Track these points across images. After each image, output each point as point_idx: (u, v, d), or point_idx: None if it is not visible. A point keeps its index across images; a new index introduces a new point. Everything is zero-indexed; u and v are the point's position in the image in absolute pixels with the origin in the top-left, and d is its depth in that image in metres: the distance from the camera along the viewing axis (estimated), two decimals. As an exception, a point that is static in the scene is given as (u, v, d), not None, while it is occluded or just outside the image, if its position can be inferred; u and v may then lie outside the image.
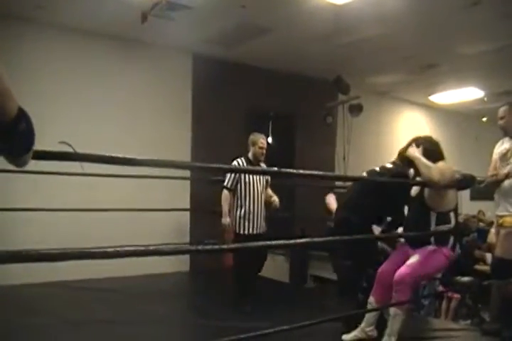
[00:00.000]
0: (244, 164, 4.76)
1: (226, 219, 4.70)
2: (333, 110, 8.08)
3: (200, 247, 1.99)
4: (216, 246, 2.17)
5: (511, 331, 3.51)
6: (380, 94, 9.40)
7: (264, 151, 4.84)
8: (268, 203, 4.84)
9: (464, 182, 3.56)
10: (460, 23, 5.85)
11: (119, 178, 5.34)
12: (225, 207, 4.71)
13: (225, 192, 4.72)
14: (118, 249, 1.68)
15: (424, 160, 3.38)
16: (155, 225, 6.13)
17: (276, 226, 5.25)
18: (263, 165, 4.90)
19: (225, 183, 4.73)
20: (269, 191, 4.98)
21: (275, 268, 6.01)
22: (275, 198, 4.87)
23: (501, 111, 3.96)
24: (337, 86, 7.45)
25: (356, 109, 7.73)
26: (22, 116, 1.40)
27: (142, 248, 1.78)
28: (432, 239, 3.49)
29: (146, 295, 5.07)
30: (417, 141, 3.58)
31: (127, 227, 5.83)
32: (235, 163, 4.80)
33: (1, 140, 1.39)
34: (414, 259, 3.43)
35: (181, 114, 7.03)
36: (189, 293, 5.76)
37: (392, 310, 3.39)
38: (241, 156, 4.87)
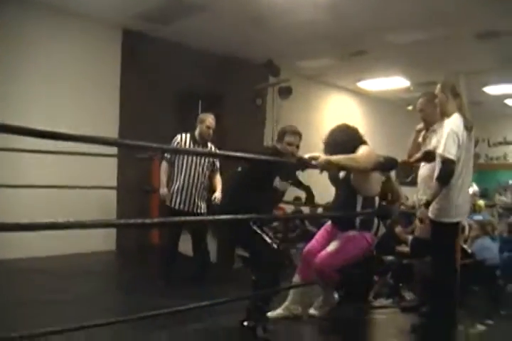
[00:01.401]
0: (188, 140, 4.68)
1: (163, 190, 4.68)
2: (262, 92, 8.16)
3: (122, 221, 2.00)
4: (139, 221, 2.18)
5: (428, 307, 3.64)
6: (309, 78, 9.50)
7: (211, 132, 4.72)
8: (212, 190, 4.76)
9: (387, 164, 3.63)
10: (389, 12, 5.99)
11: (45, 155, 5.21)
12: (163, 178, 4.71)
13: (164, 163, 4.73)
14: (37, 222, 1.65)
15: (342, 157, 3.20)
16: (81, 203, 5.95)
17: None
18: (211, 146, 4.82)
19: (165, 154, 4.73)
20: (217, 179, 4.83)
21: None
22: (217, 195, 4.63)
23: (419, 103, 3.87)
24: (268, 68, 7.54)
25: (285, 92, 7.87)
26: None
27: (62, 221, 1.76)
28: (357, 224, 3.56)
29: (70, 274, 4.98)
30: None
31: (52, 205, 5.65)
32: (178, 136, 4.72)
33: None
34: (334, 246, 3.48)
35: (109, 90, 6.80)
36: (113, 271, 5.71)
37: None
38: (187, 132, 4.77)
